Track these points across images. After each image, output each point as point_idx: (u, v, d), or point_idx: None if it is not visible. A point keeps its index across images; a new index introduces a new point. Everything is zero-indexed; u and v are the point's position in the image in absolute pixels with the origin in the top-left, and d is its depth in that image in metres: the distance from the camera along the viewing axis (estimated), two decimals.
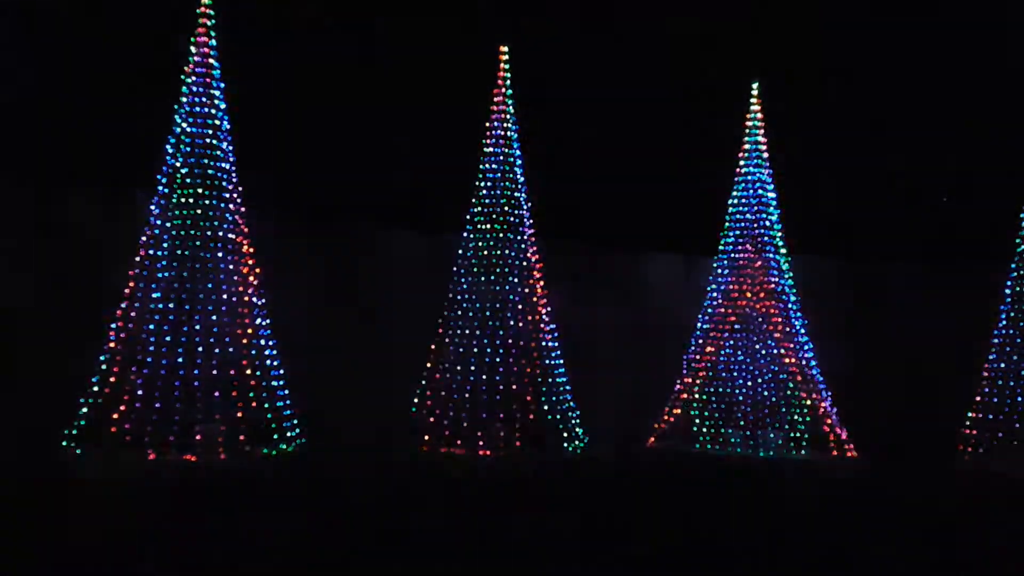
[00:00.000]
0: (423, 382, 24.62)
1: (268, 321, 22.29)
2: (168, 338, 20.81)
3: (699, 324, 27.02)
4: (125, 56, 23.11)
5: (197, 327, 21.06)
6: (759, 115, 26.97)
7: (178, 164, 21.62)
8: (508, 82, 25.58)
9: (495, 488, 18.37)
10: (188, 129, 21.72)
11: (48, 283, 22.18)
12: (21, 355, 21.27)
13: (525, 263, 25.38)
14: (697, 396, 26.36)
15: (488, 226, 25.29)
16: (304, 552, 11.88)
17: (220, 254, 21.64)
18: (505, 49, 25.56)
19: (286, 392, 22.22)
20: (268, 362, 21.91)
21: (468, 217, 25.42)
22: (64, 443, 20.32)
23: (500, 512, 15.46)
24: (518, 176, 25.59)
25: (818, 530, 14.66)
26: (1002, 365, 24.19)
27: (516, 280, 25.19)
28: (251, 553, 11.87)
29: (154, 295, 21.10)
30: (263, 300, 22.29)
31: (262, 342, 21.91)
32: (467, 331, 24.86)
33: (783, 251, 26.76)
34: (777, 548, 13.20)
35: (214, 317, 21.30)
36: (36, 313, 21.86)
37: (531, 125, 25.75)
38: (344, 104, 26.84)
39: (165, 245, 21.29)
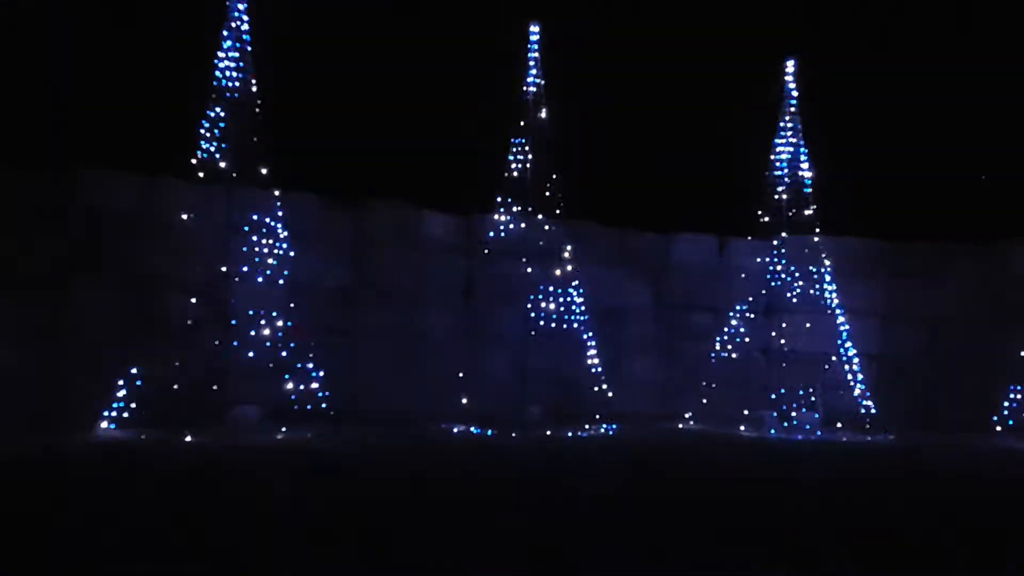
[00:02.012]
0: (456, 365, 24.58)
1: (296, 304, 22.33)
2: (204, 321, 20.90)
3: (732, 304, 26.85)
4: (157, 39, 23.10)
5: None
6: (794, 91, 26.65)
7: (211, 148, 21.59)
8: (537, 61, 25.36)
9: (523, 471, 18.22)
10: (221, 113, 21.69)
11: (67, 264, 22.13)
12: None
13: (556, 244, 25.25)
14: (730, 377, 26.21)
15: (518, 207, 25.19)
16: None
17: (254, 237, 21.70)
18: (535, 28, 25.36)
19: (317, 375, 22.21)
20: (299, 345, 21.93)
21: (499, 198, 25.28)
22: (106, 425, 20.39)
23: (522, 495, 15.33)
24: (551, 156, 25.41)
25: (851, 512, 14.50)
26: None
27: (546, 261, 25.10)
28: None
29: (188, 278, 21.16)
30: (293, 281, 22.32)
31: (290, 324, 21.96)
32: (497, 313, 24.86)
33: (818, 230, 26.49)
34: (807, 529, 13.04)
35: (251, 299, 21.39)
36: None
37: (561, 103, 25.56)
38: (376, 82, 26.73)
39: (200, 228, 21.33)
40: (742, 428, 25.49)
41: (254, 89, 21.95)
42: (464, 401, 24.09)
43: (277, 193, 22.26)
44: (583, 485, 16.18)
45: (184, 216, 21.35)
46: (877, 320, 28.19)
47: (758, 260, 26.85)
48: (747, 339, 26.38)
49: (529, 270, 24.95)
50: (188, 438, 19.41)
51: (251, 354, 21.19)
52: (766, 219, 26.62)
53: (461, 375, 24.44)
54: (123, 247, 21.72)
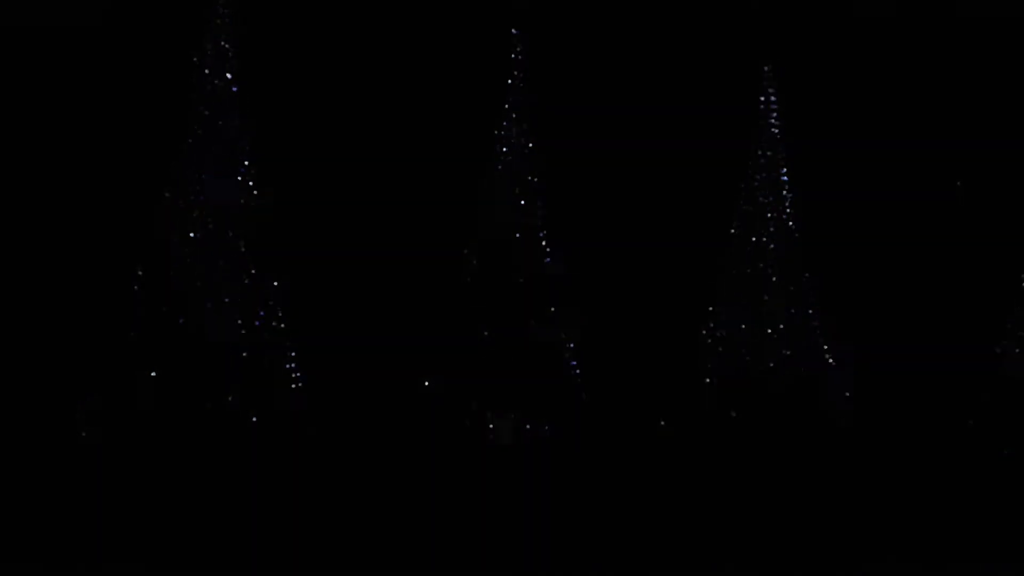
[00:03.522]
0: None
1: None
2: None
3: (711, 305, 26.98)
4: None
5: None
6: (772, 96, 26.93)
7: (190, 141, 21.97)
8: (521, 70, 25.73)
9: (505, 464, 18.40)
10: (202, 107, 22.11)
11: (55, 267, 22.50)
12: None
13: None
14: (706, 378, 26.35)
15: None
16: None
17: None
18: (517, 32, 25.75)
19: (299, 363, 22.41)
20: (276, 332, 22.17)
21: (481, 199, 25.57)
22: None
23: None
24: (531, 160, 25.70)
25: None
26: None
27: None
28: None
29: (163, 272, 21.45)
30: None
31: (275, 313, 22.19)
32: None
33: (796, 235, 26.69)
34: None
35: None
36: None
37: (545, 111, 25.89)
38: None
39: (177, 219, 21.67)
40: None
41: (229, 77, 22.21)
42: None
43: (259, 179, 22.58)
44: None
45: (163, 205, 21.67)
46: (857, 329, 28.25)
47: (735, 264, 26.96)
48: (723, 337, 26.48)
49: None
50: None
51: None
52: (743, 223, 26.82)
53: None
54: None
